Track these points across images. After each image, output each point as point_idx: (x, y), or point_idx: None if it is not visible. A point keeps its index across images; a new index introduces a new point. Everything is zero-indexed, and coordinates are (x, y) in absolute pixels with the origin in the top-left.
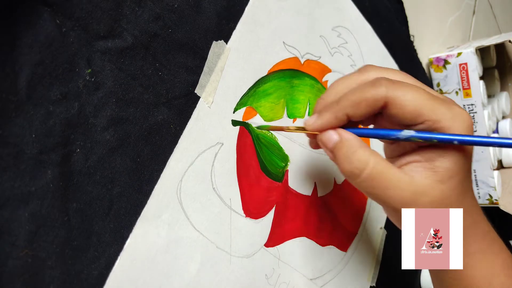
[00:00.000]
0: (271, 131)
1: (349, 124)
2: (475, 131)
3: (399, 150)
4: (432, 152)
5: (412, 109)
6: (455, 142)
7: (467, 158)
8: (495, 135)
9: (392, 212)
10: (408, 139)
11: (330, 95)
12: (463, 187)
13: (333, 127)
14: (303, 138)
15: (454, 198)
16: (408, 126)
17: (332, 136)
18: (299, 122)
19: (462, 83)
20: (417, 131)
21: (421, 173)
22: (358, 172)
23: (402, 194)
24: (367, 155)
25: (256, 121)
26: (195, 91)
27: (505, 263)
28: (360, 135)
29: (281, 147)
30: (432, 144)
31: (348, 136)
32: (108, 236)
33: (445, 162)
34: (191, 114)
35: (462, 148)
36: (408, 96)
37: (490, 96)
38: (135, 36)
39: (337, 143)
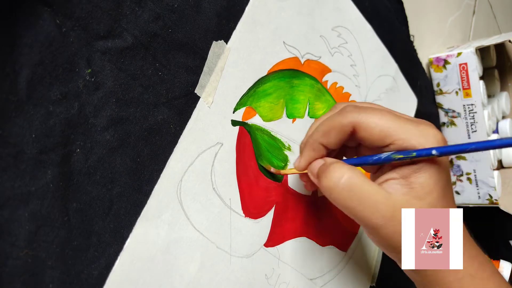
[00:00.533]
0: (272, 132)
1: (337, 155)
2: (475, 131)
3: (379, 171)
4: (407, 168)
5: (379, 131)
6: (434, 153)
7: (442, 172)
8: (495, 135)
9: (372, 230)
10: (389, 160)
11: (307, 133)
12: (445, 202)
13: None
14: (303, 137)
15: None
16: (381, 149)
17: (317, 162)
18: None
19: (462, 83)
20: (396, 150)
21: (399, 190)
22: (334, 184)
23: (380, 208)
24: (344, 169)
25: (255, 121)
26: (195, 91)
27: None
28: (352, 163)
29: (281, 148)
30: (406, 161)
31: (330, 159)
32: (108, 236)
33: (420, 178)
34: (191, 114)
35: (435, 163)
36: (374, 119)
37: (490, 96)
38: (135, 36)
39: (320, 166)
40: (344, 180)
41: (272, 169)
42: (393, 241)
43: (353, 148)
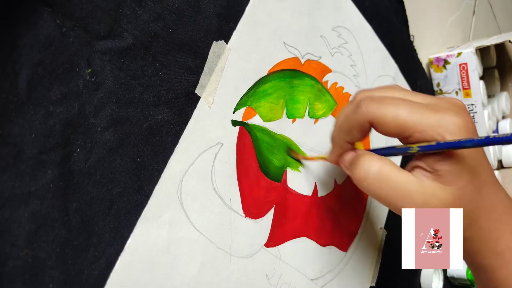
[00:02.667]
0: (272, 131)
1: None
2: None
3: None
4: (431, 158)
5: (395, 126)
6: (437, 145)
7: (469, 155)
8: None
9: None
10: (407, 151)
11: (333, 128)
12: (476, 183)
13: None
14: (303, 138)
15: (467, 198)
16: (403, 139)
17: (348, 155)
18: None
19: (462, 83)
20: (421, 146)
21: (428, 177)
22: (365, 175)
23: (412, 196)
24: (374, 160)
25: (255, 121)
26: (196, 91)
27: None
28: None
29: (281, 148)
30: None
31: (360, 150)
32: (108, 236)
33: (445, 165)
34: (191, 114)
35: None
36: (389, 115)
37: (490, 96)
38: (135, 36)
39: (351, 159)
40: (374, 170)
41: (300, 156)
42: None
43: None
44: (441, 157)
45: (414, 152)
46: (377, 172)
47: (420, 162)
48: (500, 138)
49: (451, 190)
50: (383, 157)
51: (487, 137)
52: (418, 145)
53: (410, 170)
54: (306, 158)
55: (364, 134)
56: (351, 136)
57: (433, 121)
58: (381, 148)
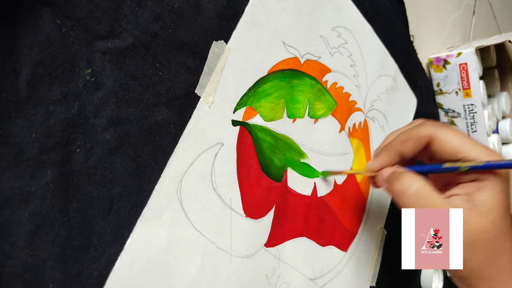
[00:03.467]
0: (273, 131)
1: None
2: (475, 131)
3: (441, 185)
4: (471, 186)
5: (452, 145)
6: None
7: (506, 193)
8: (495, 136)
9: None
10: (455, 169)
11: (384, 142)
12: (505, 222)
13: (389, 165)
14: (304, 138)
15: (493, 233)
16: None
17: (388, 169)
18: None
19: (462, 83)
20: (471, 166)
21: (461, 205)
22: (405, 190)
23: None
24: (416, 178)
25: (256, 121)
26: (195, 91)
27: None
28: (419, 171)
29: (281, 147)
30: (472, 179)
31: (401, 168)
32: (108, 236)
33: (483, 195)
34: (191, 114)
35: (499, 183)
36: (449, 135)
37: (490, 96)
38: (135, 36)
39: (391, 173)
40: (415, 188)
41: (333, 171)
42: None
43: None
44: (480, 185)
45: (463, 170)
46: (417, 190)
47: (458, 190)
48: None
49: (481, 219)
50: (423, 177)
51: None
52: (468, 164)
53: (445, 199)
54: (343, 173)
55: (417, 149)
56: (405, 146)
57: (487, 152)
58: (427, 165)
